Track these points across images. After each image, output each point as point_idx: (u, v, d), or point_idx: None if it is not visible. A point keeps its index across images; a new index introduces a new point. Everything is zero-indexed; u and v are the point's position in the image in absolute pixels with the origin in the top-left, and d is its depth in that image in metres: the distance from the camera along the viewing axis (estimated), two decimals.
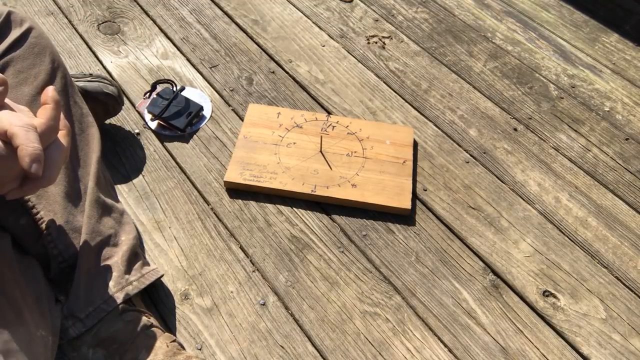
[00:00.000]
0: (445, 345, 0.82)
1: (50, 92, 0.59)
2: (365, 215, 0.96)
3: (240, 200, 0.97)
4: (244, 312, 0.84)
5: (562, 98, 1.17)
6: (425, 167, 1.04)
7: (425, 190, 1.00)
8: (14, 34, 0.77)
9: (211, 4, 1.34)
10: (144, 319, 0.75)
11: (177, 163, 1.02)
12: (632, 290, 0.89)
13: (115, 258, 0.78)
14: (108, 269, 0.77)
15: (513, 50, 1.27)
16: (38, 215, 0.73)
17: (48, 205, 0.74)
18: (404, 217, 0.96)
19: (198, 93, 1.14)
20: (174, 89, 1.09)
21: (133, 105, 1.10)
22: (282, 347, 0.81)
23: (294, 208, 0.97)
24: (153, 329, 0.75)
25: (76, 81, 0.95)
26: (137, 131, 1.06)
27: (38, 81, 0.77)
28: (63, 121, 0.61)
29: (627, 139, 1.11)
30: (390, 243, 0.93)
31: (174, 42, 1.24)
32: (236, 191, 0.98)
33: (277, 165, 0.99)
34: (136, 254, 0.82)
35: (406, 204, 0.95)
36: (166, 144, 1.05)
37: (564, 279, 0.90)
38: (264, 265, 0.89)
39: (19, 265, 0.71)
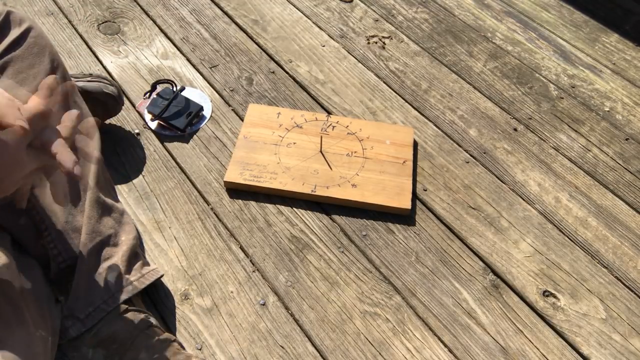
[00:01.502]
0: (445, 345, 0.82)
1: (47, 79, 0.58)
2: (365, 215, 0.96)
3: (240, 200, 0.97)
4: (244, 312, 0.84)
5: (562, 98, 1.17)
6: (425, 167, 1.04)
7: (425, 190, 1.00)
8: (13, 34, 0.77)
9: (211, 4, 1.34)
10: (144, 319, 0.75)
11: (177, 163, 1.02)
12: (632, 290, 0.89)
13: (115, 258, 0.78)
14: (108, 269, 0.77)
15: (513, 50, 1.27)
16: (37, 216, 0.73)
17: (47, 205, 0.74)
18: (404, 217, 0.96)
19: (198, 93, 1.14)
20: (174, 89, 1.09)
21: (133, 105, 1.10)
22: (282, 347, 0.81)
23: (294, 208, 0.97)
24: (153, 328, 0.75)
25: (76, 81, 0.95)
26: (137, 131, 1.06)
27: (37, 81, 0.77)
28: (69, 115, 0.60)
29: (627, 139, 1.10)
30: (390, 243, 0.93)
31: (174, 42, 1.24)
32: (236, 191, 0.98)
33: (277, 165, 0.99)
34: (136, 254, 0.82)
35: (406, 204, 0.95)
36: (166, 144, 1.05)
37: (564, 279, 0.90)
38: (264, 265, 0.89)
39: (18, 265, 0.71)
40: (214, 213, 0.96)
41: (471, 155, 1.06)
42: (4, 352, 0.60)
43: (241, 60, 1.21)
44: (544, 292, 0.88)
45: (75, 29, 1.25)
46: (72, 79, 0.89)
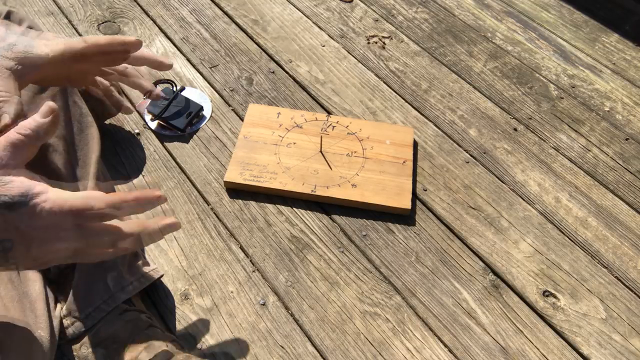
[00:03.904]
0: (445, 345, 0.82)
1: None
2: (365, 215, 0.96)
3: (240, 200, 0.97)
4: (244, 312, 0.84)
5: (562, 98, 1.17)
6: (425, 167, 1.04)
7: (425, 190, 1.00)
8: None
9: (211, 4, 1.34)
10: (144, 319, 0.75)
11: (177, 163, 1.02)
12: (632, 290, 0.89)
13: (115, 258, 0.78)
14: (108, 269, 0.77)
15: (513, 50, 1.27)
16: None
17: None
18: (404, 217, 0.96)
19: (198, 93, 1.14)
20: (174, 89, 1.09)
21: (133, 105, 1.10)
22: (282, 347, 0.81)
23: (294, 208, 0.97)
24: (153, 328, 0.75)
25: None
26: (137, 131, 1.06)
27: None
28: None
29: (627, 139, 1.10)
30: (390, 243, 0.93)
31: (174, 42, 1.24)
32: (236, 191, 0.98)
33: (277, 165, 0.99)
34: (136, 254, 0.82)
35: (406, 204, 0.95)
36: (166, 144, 1.05)
37: (564, 279, 0.90)
38: (264, 265, 0.89)
39: None
40: (214, 213, 0.96)
41: (471, 155, 1.06)
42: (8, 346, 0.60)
43: (241, 60, 1.21)
44: (544, 292, 0.88)
45: (75, 29, 1.25)
46: None
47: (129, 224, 0.56)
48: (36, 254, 0.50)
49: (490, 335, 0.83)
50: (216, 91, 1.15)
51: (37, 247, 0.50)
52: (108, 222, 0.54)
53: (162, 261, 0.89)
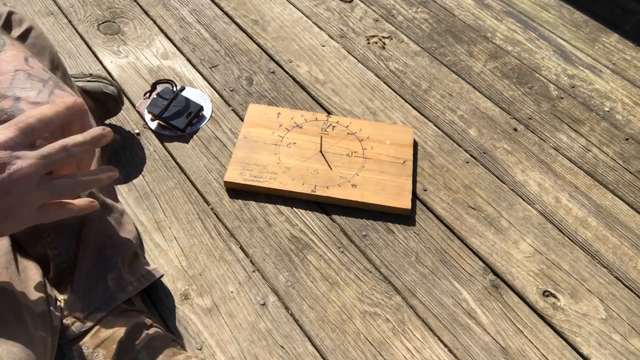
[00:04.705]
0: (445, 345, 0.82)
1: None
2: (365, 215, 0.96)
3: (240, 200, 0.97)
4: (244, 312, 0.84)
5: (562, 98, 1.17)
6: (425, 167, 1.04)
7: (425, 190, 1.00)
8: (14, 34, 0.77)
9: (211, 4, 1.34)
10: (144, 319, 0.75)
11: (177, 163, 1.02)
12: (632, 290, 0.89)
13: (115, 258, 0.78)
14: (108, 269, 0.77)
15: (513, 50, 1.27)
16: None
17: None
18: (404, 217, 0.96)
19: (198, 93, 1.14)
20: (174, 89, 1.09)
21: (133, 105, 1.10)
22: (282, 347, 0.81)
23: (294, 208, 0.97)
24: (153, 329, 0.75)
25: (76, 81, 0.95)
26: (137, 131, 1.06)
27: None
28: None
29: (627, 139, 1.10)
30: (390, 243, 0.93)
31: (174, 42, 1.24)
32: (236, 191, 0.98)
33: (277, 165, 0.99)
34: (136, 254, 0.82)
35: (406, 204, 0.95)
36: (166, 144, 1.05)
37: (564, 279, 0.90)
38: (264, 265, 0.89)
39: (18, 265, 0.71)
40: (214, 213, 0.96)
41: (471, 155, 1.06)
42: (8, 346, 0.60)
43: (241, 60, 1.21)
44: (544, 292, 0.88)
45: (75, 29, 1.25)
46: (72, 79, 0.89)
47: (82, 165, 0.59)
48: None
49: (490, 335, 0.83)
50: (216, 91, 1.15)
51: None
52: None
53: (162, 261, 0.89)
